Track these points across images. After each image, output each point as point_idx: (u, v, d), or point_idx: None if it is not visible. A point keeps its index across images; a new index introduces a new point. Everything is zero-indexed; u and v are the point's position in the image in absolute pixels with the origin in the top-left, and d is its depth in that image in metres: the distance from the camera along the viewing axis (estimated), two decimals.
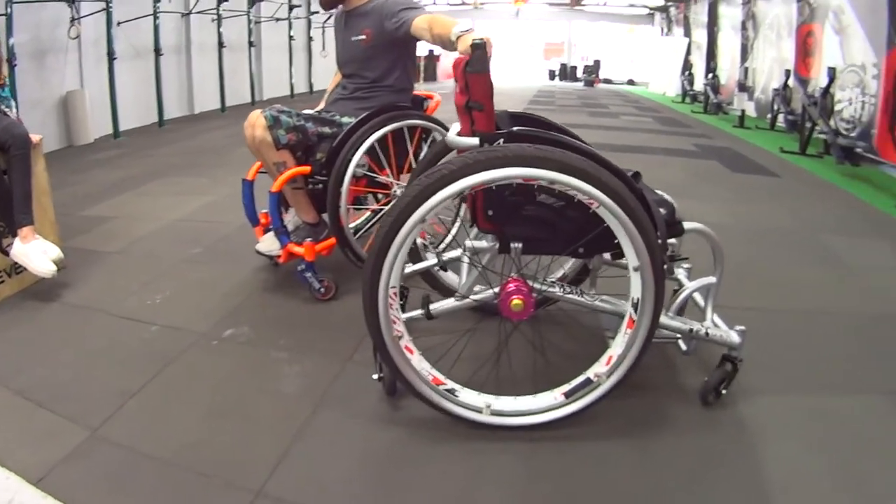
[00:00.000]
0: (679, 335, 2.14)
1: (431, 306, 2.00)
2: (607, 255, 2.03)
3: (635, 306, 1.88)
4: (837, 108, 7.74)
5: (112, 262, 3.33)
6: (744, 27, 12.62)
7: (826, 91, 7.37)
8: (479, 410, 1.92)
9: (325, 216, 2.93)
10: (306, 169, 2.82)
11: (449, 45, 2.38)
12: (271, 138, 2.70)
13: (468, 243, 2.03)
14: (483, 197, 1.85)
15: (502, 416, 1.93)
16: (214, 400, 2.04)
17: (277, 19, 12.83)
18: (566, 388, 1.96)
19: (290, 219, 3.04)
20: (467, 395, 1.94)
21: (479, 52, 1.79)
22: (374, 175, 2.91)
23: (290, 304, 2.82)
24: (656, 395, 2.17)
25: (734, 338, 2.09)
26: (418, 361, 1.91)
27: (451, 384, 1.93)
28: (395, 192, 3.00)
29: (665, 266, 1.87)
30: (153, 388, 2.11)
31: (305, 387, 2.14)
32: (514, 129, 1.86)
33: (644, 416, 2.05)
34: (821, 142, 7.37)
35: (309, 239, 2.82)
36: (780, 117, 9.70)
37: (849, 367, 2.37)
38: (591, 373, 1.95)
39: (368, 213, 3.23)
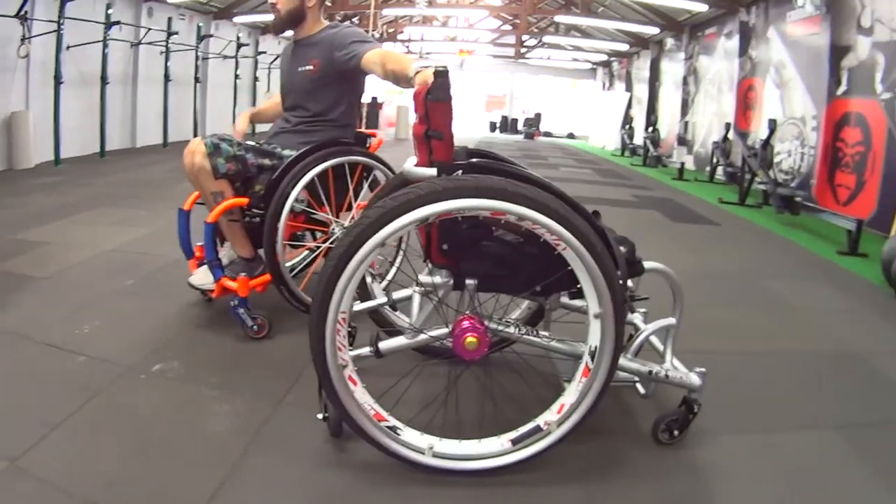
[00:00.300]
0: (634, 380, 2.07)
1: (381, 344, 1.88)
2: (565, 298, 1.97)
3: (592, 354, 1.80)
4: (777, 159, 8.06)
5: (41, 288, 3.19)
6: (685, 82, 13.08)
7: (766, 142, 7.64)
8: (421, 451, 1.80)
9: (261, 252, 2.80)
10: (244, 201, 2.70)
11: (404, 81, 2.32)
12: (210, 166, 2.60)
13: (422, 278, 1.93)
14: (438, 229, 1.77)
15: (445, 460, 1.80)
16: (140, 436, 1.92)
17: (225, 57, 12.73)
18: (514, 434, 1.85)
19: (226, 253, 2.90)
20: (410, 435, 1.82)
21: (442, 79, 1.75)
22: (313, 212, 2.81)
23: (222, 341, 2.68)
24: (611, 439, 2.09)
25: (694, 380, 2.02)
26: (361, 394, 1.78)
27: (393, 421, 1.81)
28: (333, 230, 2.90)
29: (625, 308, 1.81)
30: (77, 421, 1.98)
31: (236, 427, 2.02)
32: (474, 160, 1.80)
33: (597, 461, 1.96)
34: (760, 193, 7.59)
35: (243, 274, 2.67)
36: (719, 170, 10.00)
37: (797, 405, 2.43)
38: (541, 420, 1.85)
39: (305, 252, 3.13)
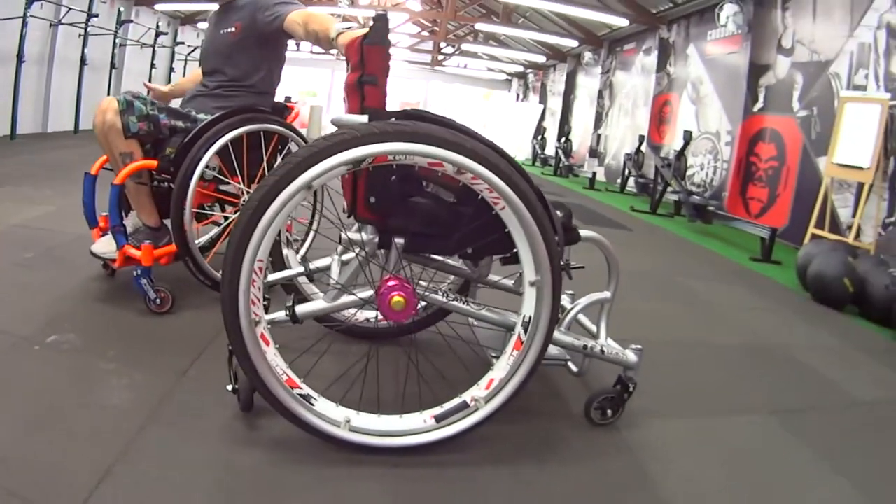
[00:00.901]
0: (565, 359, 1.98)
1: (298, 308, 1.71)
2: (493, 276, 1.87)
3: (525, 326, 1.68)
4: (689, 172, 8.29)
5: None
6: (600, 96, 13.24)
7: (681, 153, 7.83)
8: (336, 424, 1.63)
9: (167, 222, 2.63)
10: (153, 163, 2.51)
11: (325, 42, 2.23)
12: (121, 124, 2.43)
13: (345, 235, 1.77)
14: (366, 180, 1.63)
15: (363, 435, 1.64)
16: (30, 410, 1.74)
17: (143, 45, 12.15)
18: (437, 410, 1.70)
19: (131, 221, 2.69)
20: (324, 406, 1.64)
21: (381, 23, 1.68)
22: (225, 179, 2.63)
23: (122, 314, 2.48)
24: (541, 420, 1.98)
25: (631, 357, 1.94)
26: (273, 356, 1.60)
27: (306, 390, 1.63)
28: (244, 201, 2.71)
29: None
30: None
31: (134, 400, 1.85)
32: (409, 110, 1.67)
33: (528, 442, 1.85)
34: (671, 204, 7.77)
35: (148, 242, 2.46)
36: (631, 181, 10.13)
37: (730, 391, 2.47)
38: (467, 396, 1.71)
39: (216, 231, 2.96)
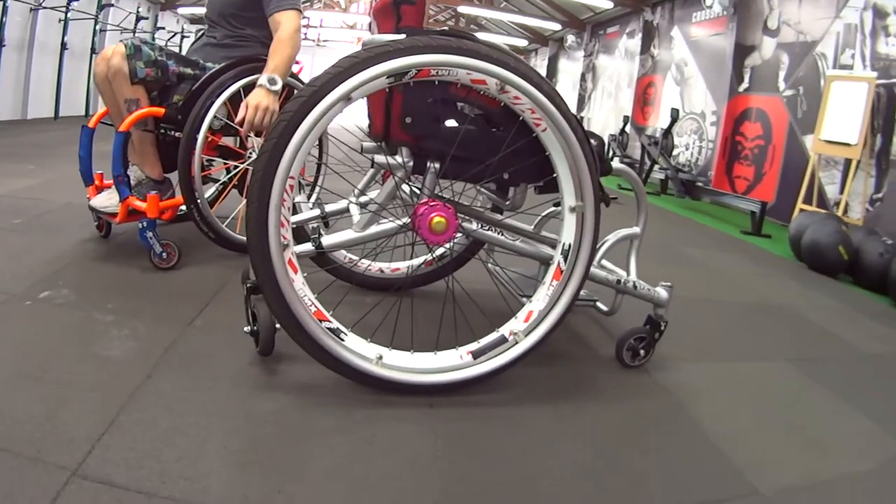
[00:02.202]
0: (594, 299, 1.94)
1: (325, 239, 1.64)
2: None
3: (566, 254, 1.63)
4: (674, 152, 8.32)
5: None
6: (583, 79, 13.22)
7: (668, 131, 7.83)
8: (368, 360, 1.56)
9: (170, 177, 2.56)
10: (159, 111, 2.42)
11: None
12: (128, 69, 2.34)
13: (378, 158, 1.72)
14: (402, 101, 1.56)
15: (396, 371, 1.58)
16: (22, 363, 1.61)
17: (123, 29, 11.80)
18: (474, 346, 1.65)
19: (132, 174, 2.59)
20: (355, 341, 1.58)
21: None
22: (234, 127, 2.53)
23: (121, 271, 2.38)
24: (572, 363, 1.96)
25: (662, 293, 1.93)
26: (301, 285, 1.52)
27: (336, 324, 1.56)
28: (250, 154, 2.67)
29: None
30: None
31: (137, 350, 1.73)
32: (448, 29, 1.62)
33: (563, 384, 1.82)
34: (658, 183, 7.78)
35: (154, 192, 2.37)
36: (615, 161, 10.13)
37: (745, 341, 2.52)
38: (505, 330, 1.66)
39: (215, 188, 2.88)
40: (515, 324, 1.66)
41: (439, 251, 2.30)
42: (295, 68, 2.89)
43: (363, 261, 2.29)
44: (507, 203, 1.85)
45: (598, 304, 1.99)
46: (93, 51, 10.71)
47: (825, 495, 1.46)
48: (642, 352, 1.93)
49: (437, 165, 1.62)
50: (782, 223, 5.81)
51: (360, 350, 1.56)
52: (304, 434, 1.42)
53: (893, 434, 1.81)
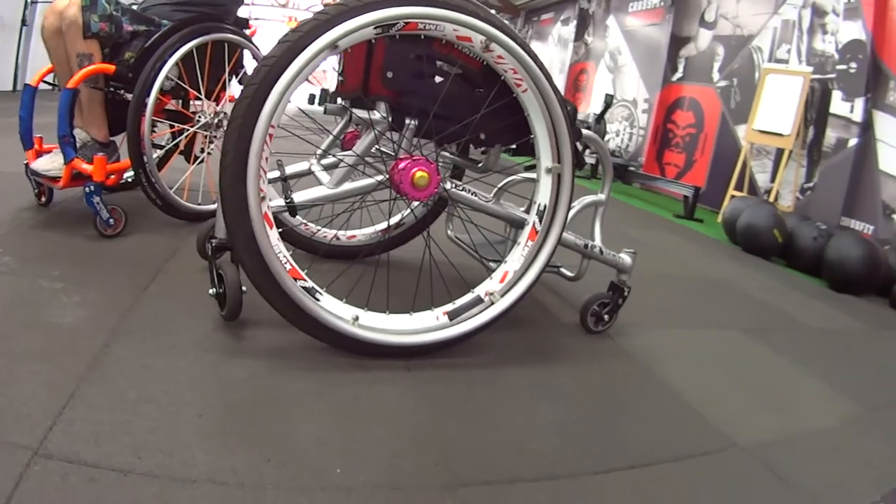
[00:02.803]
0: (558, 265, 1.96)
1: (296, 195, 1.58)
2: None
3: (541, 214, 1.64)
4: (605, 138, 8.50)
5: None
6: None
7: (601, 116, 7.93)
8: (345, 321, 1.52)
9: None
10: (110, 68, 2.29)
11: None
12: (83, 21, 2.22)
13: (357, 112, 1.69)
14: (384, 54, 1.53)
15: (373, 332, 1.54)
16: None
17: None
18: (450, 307, 1.64)
19: (77, 136, 2.43)
20: (331, 302, 1.53)
21: None
22: (183, 86, 2.44)
23: (64, 239, 2.23)
24: (539, 329, 1.99)
25: (626, 259, 1.97)
26: (276, 241, 1.46)
27: (311, 283, 1.51)
28: (199, 118, 2.57)
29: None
30: None
31: (90, 318, 1.61)
32: None
33: (534, 348, 1.85)
34: (589, 167, 7.91)
35: (101, 154, 2.23)
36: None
37: (698, 312, 2.66)
38: (481, 290, 1.66)
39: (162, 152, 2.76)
40: (491, 284, 1.66)
41: (395, 219, 2.28)
42: (249, 32, 2.80)
43: (316, 227, 2.25)
44: (479, 165, 1.84)
45: (563, 270, 2.02)
46: (23, 23, 10.09)
47: (797, 449, 1.54)
48: (606, 317, 1.98)
49: (416, 122, 1.60)
50: (712, 209, 6.04)
51: (336, 311, 1.52)
52: (282, 399, 1.36)
53: (848, 396, 1.93)
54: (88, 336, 1.49)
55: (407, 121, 1.59)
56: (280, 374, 1.46)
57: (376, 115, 1.60)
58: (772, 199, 5.20)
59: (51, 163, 2.28)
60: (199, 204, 2.61)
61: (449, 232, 2.17)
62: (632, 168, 6.95)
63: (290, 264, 1.48)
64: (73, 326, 1.54)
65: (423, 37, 1.49)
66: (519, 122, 1.63)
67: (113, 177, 2.32)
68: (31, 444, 1.07)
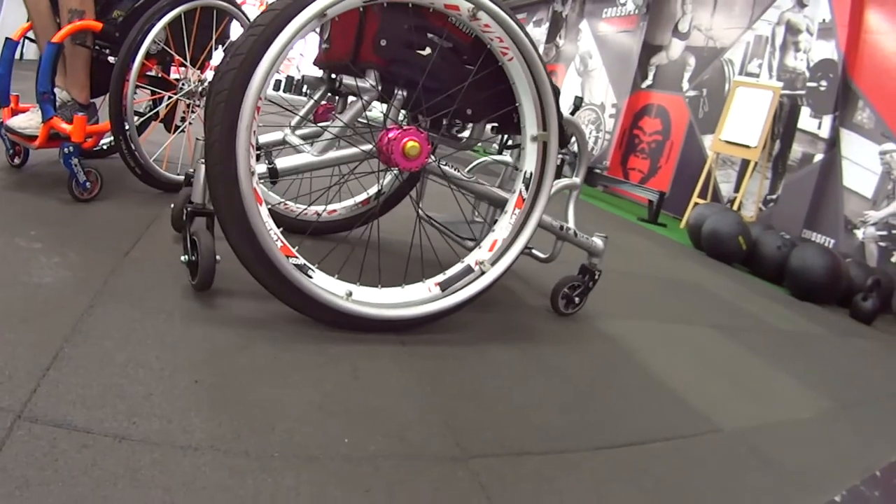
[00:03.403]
0: (530, 247, 2.02)
1: (279, 161, 1.55)
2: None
3: (527, 182, 1.67)
4: (571, 140, 8.58)
5: None
6: None
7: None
8: (339, 297, 1.51)
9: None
10: (97, 25, 2.21)
11: None
12: None
13: (346, 80, 1.65)
14: (379, 22, 1.52)
15: (367, 307, 1.53)
16: None
17: None
18: (441, 277, 1.65)
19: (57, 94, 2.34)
20: (323, 278, 1.52)
21: None
22: (169, 51, 2.38)
23: (38, 201, 2.14)
24: (515, 312, 2.03)
25: (598, 243, 2.03)
26: (267, 217, 1.43)
27: (302, 260, 1.49)
28: (182, 86, 2.50)
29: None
30: None
31: (73, 280, 1.55)
32: None
33: (518, 328, 1.89)
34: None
35: (81, 114, 2.15)
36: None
37: (667, 308, 2.72)
38: (470, 260, 1.68)
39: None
40: (480, 253, 1.68)
41: (373, 189, 2.28)
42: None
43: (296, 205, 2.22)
44: (463, 141, 1.85)
45: (536, 252, 2.05)
46: None
47: (778, 435, 1.62)
48: (577, 300, 2.04)
49: (405, 93, 1.60)
50: (674, 215, 6.17)
51: (329, 287, 1.50)
52: (281, 368, 1.34)
53: (819, 393, 2.03)
54: (71, 297, 1.43)
55: (396, 90, 1.59)
56: (275, 343, 1.43)
57: (364, 85, 1.59)
58: (735, 208, 5.34)
59: (28, 121, 2.19)
60: (179, 175, 2.54)
61: (420, 211, 2.17)
62: (597, 170, 7.04)
63: (281, 241, 1.45)
64: (54, 287, 1.47)
65: (421, 7, 1.50)
66: (505, 99, 1.66)
67: (91, 139, 2.25)
68: (14, 407, 1.00)
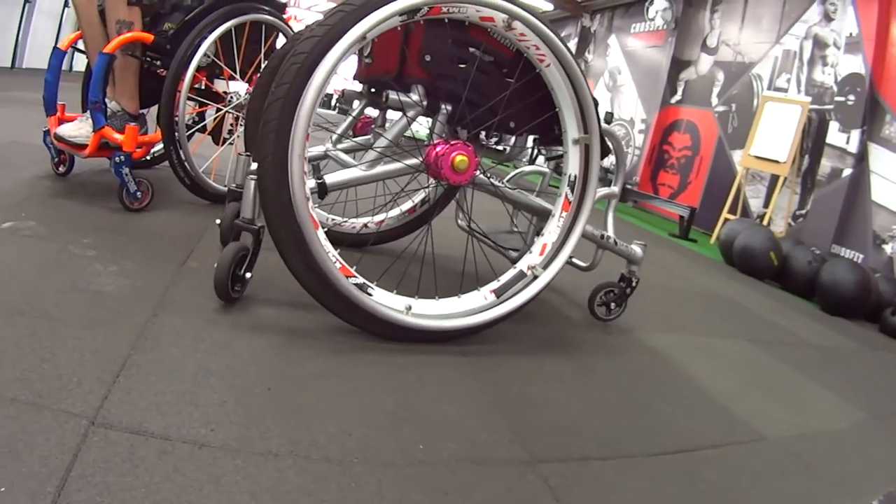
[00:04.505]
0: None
1: (328, 176, 1.57)
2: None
3: (572, 185, 1.70)
4: None
5: None
6: None
7: None
8: (399, 311, 1.54)
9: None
10: (149, 37, 2.27)
11: None
12: None
13: (393, 95, 1.68)
14: (424, 37, 1.57)
15: (426, 319, 1.57)
16: (4, 298, 1.38)
17: None
18: (495, 284, 1.69)
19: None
20: (382, 295, 1.55)
21: None
22: (219, 63, 2.44)
23: (88, 209, 2.18)
24: (557, 323, 2.08)
25: (637, 251, 2.05)
26: (324, 240, 1.46)
27: (361, 279, 1.52)
28: (231, 99, 2.55)
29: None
30: None
31: (133, 288, 1.57)
32: None
33: (564, 341, 1.93)
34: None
35: (133, 123, 2.20)
36: (540, 159, 10.33)
37: (704, 322, 2.75)
38: (522, 265, 1.70)
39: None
40: (531, 258, 1.71)
41: (418, 197, 2.32)
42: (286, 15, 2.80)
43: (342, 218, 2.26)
44: (506, 153, 1.89)
45: (575, 260, 2.07)
46: (26, 0, 9.84)
47: (817, 444, 1.66)
48: (613, 304, 2.08)
49: (450, 107, 1.64)
50: (704, 231, 6.14)
51: (389, 302, 1.53)
52: (351, 377, 1.37)
53: (853, 405, 2.05)
54: (134, 305, 1.46)
55: (441, 105, 1.63)
56: (342, 354, 1.47)
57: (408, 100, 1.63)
58: (764, 223, 5.31)
59: (77, 130, 2.24)
60: (227, 186, 2.58)
61: (459, 221, 2.20)
62: (628, 186, 7.03)
63: (340, 262, 1.48)
64: (114, 295, 1.50)
65: (466, 23, 1.53)
66: (546, 111, 1.69)
67: (141, 149, 2.29)
68: (86, 413, 1.01)
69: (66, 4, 10.20)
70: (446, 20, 1.52)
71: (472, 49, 1.60)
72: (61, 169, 2.48)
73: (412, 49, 1.58)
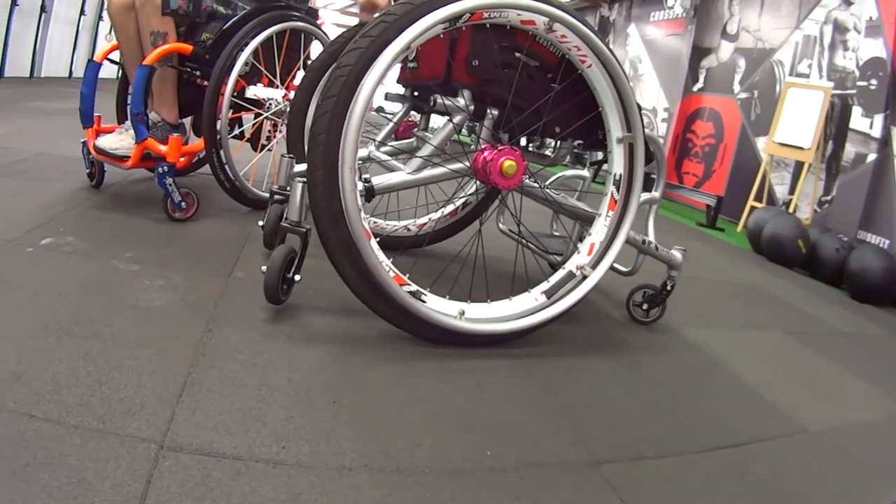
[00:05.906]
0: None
1: (376, 179, 1.60)
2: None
3: (617, 184, 1.72)
4: None
5: None
6: None
7: None
8: (452, 317, 1.57)
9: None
10: (187, 47, 2.31)
11: None
12: None
13: (440, 99, 1.72)
14: (470, 42, 1.58)
15: (479, 323, 1.60)
16: (48, 315, 1.38)
17: None
18: (545, 285, 1.71)
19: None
20: (436, 301, 1.58)
21: None
22: (259, 67, 2.48)
23: (129, 220, 2.21)
24: (601, 324, 2.11)
25: (677, 256, 2.07)
26: (377, 250, 1.49)
27: (414, 286, 1.55)
28: (269, 106, 2.56)
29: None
30: None
31: (183, 302, 1.58)
32: None
33: (607, 341, 1.96)
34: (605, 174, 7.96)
35: (176, 134, 2.24)
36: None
37: (739, 314, 2.77)
38: (571, 265, 1.73)
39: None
40: (580, 258, 1.73)
41: (461, 200, 2.34)
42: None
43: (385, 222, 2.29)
44: (548, 159, 1.91)
45: (616, 265, 2.08)
46: (42, 9, 9.92)
47: (858, 434, 1.69)
48: (646, 305, 2.12)
49: (496, 113, 1.65)
50: (730, 219, 6.09)
51: (442, 308, 1.56)
52: (410, 385, 1.40)
53: (886, 393, 2.08)
54: (186, 320, 1.48)
55: (488, 110, 1.64)
56: (398, 362, 1.50)
57: (461, 102, 1.66)
58: (790, 210, 5.26)
59: (118, 141, 2.27)
60: (265, 192, 2.62)
61: (501, 226, 2.22)
62: (653, 176, 6.97)
63: (393, 271, 1.51)
64: (165, 311, 1.51)
65: (508, 27, 1.55)
66: (592, 119, 1.70)
67: (184, 159, 2.32)
68: (154, 437, 1.00)
69: (81, 12, 10.25)
70: (488, 25, 1.53)
71: (517, 54, 1.62)
72: (94, 180, 2.52)
73: (459, 54, 1.60)
